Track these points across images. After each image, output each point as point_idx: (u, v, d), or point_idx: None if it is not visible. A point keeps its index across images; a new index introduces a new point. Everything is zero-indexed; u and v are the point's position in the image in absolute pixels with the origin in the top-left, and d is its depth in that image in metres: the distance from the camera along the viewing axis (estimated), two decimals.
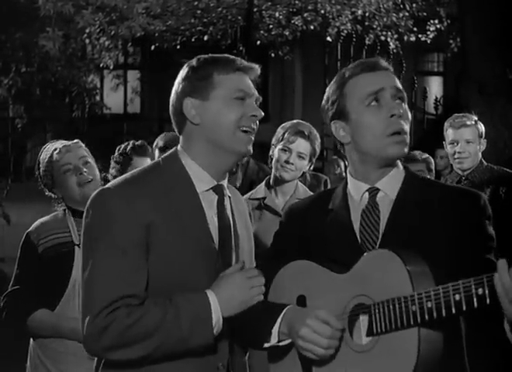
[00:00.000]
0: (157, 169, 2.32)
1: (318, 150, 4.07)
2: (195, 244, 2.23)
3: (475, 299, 1.83)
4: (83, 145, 3.45)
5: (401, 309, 1.95)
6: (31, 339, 3.35)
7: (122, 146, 4.66)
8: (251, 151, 2.30)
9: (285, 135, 4.00)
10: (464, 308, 1.85)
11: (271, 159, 4.08)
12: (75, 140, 3.45)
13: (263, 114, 2.32)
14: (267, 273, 2.26)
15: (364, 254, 2.09)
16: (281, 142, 4.01)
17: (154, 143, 4.65)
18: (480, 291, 1.83)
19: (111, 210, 2.18)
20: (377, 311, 2.01)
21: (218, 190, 2.32)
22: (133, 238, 2.17)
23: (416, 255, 2.01)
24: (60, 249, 3.23)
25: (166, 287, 2.19)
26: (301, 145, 4.00)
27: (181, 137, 2.36)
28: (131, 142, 4.70)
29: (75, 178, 3.32)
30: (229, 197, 2.38)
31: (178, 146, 2.35)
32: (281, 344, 2.17)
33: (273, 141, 4.08)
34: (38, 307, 3.20)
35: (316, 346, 2.07)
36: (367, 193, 2.23)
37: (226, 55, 2.34)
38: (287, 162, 4.00)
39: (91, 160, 3.41)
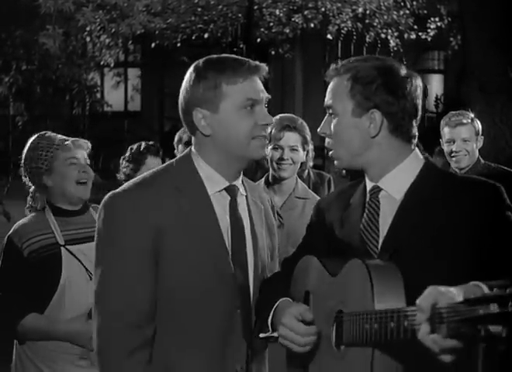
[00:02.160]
0: (169, 171, 2.32)
1: (309, 138, 4.03)
2: (206, 247, 2.23)
3: (401, 330, 1.77)
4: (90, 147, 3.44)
5: (359, 325, 1.91)
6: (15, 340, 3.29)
7: (135, 145, 4.70)
8: (265, 154, 2.32)
9: (272, 132, 3.98)
10: (395, 336, 1.79)
11: (266, 160, 4.06)
12: (85, 140, 3.43)
13: (273, 120, 2.31)
14: (291, 264, 2.29)
15: (349, 261, 2.05)
16: (271, 141, 3.98)
17: (177, 138, 4.70)
18: (406, 323, 1.76)
19: (119, 217, 2.22)
20: (345, 321, 1.99)
21: (230, 190, 2.32)
22: (141, 244, 2.20)
23: (392, 267, 1.95)
24: (46, 251, 3.18)
25: (178, 291, 2.22)
26: (290, 138, 3.98)
27: (193, 139, 2.35)
28: (143, 142, 4.74)
29: (76, 174, 3.29)
30: (246, 196, 2.37)
31: (192, 147, 2.35)
32: (274, 335, 2.18)
33: None
34: (27, 312, 3.15)
35: (293, 344, 2.08)
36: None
37: (232, 58, 2.30)
38: (281, 159, 3.98)
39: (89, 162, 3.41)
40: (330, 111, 2.18)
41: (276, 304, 2.18)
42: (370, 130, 2.12)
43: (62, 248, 3.20)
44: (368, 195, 2.19)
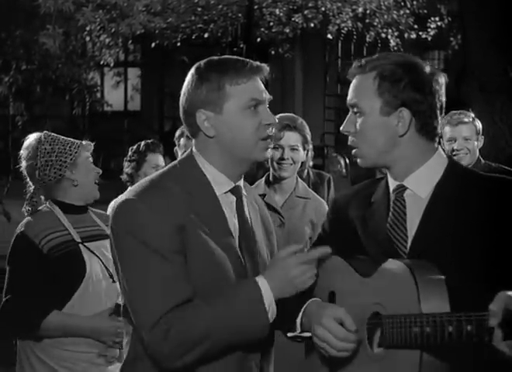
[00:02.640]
0: (175, 173, 2.30)
1: (309, 137, 4.04)
2: (219, 247, 2.23)
3: (464, 334, 1.76)
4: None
5: (405, 328, 1.88)
6: (20, 343, 3.25)
7: (135, 146, 4.82)
8: (270, 155, 2.32)
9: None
10: (454, 340, 1.78)
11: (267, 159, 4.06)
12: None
13: (276, 120, 2.30)
14: None
15: (385, 262, 2.03)
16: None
17: (178, 133, 4.79)
18: (469, 327, 1.75)
19: (141, 220, 2.17)
20: (387, 324, 1.95)
21: (236, 191, 2.32)
22: (170, 245, 2.17)
23: (432, 267, 1.93)
24: (65, 248, 3.18)
25: (199, 290, 2.19)
26: (290, 138, 3.98)
27: (194, 141, 2.34)
28: (143, 141, 4.86)
29: (95, 174, 3.34)
30: (245, 196, 2.38)
31: (193, 148, 2.34)
32: (302, 335, 2.17)
33: None
34: (49, 310, 3.13)
35: (329, 347, 2.05)
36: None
37: (234, 59, 2.29)
38: (282, 158, 3.98)
39: None
40: (355, 109, 2.16)
41: (306, 305, 2.16)
42: (398, 129, 2.11)
43: (80, 245, 3.21)
44: (392, 194, 2.18)
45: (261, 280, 2.15)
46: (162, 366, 2.18)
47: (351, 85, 2.19)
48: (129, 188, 2.33)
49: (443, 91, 2.15)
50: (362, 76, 2.15)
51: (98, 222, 3.37)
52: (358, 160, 2.21)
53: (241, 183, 2.36)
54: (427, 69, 2.15)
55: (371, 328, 2.04)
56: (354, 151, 2.20)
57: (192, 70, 2.30)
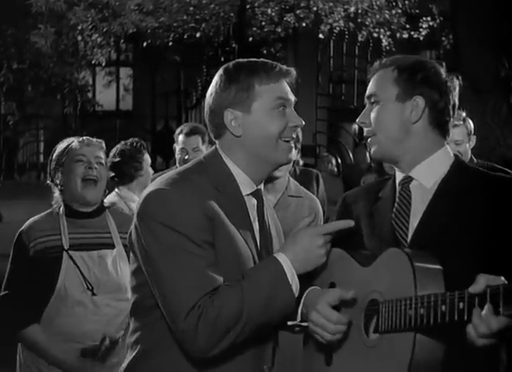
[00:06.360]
0: (201, 168, 2.31)
1: (300, 136, 4.05)
2: (241, 245, 2.24)
3: (456, 312, 1.80)
4: (105, 147, 3.38)
5: (400, 312, 1.94)
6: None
7: (118, 150, 4.65)
8: (292, 158, 2.36)
9: None
10: (447, 319, 1.82)
11: None
12: (100, 140, 3.39)
13: (303, 123, 2.33)
14: None
15: (386, 250, 2.08)
16: None
17: (177, 131, 4.81)
18: (461, 305, 1.79)
19: (174, 210, 2.17)
20: (383, 309, 2.01)
21: (257, 194, 2.34)
22: (202, 234, 2.17)
23: (431, 257, 1.98)
24: (49, 254, 3.16)
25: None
26: None
27: (218, 141, 2.35)
28: (127, 145, 4.69)
29: (83, 170, 3.25)
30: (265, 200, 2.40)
31: (218, 147, 2.35)
32: (302, 324, 2.20)
33: None
34: (29, 319, 3.15)
35: (323, 331, 2.10)
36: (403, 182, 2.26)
37: (263, 61, 2.33)
38: None
39: (104, 163, 3.34)
40: (372, 99, 2.25)
41: (305, 294, 2.20)
42: (411, 117, 2.20)
43: (65, 252, 3.16)
44: (398, 187, 2.25)
45: (280, 256, 2.18)
46: (196, 356, 2.15)
47: (371, 81, 2.28)
48: (156, 180, 2.32)
49: (456, 92, 2.25)
50: (382, 70, 2.26)
51: (110, 229, 3.30)
52: (372, 150, 2.27)
53: (262, 187, 2.37)
54: (443, 70, 2.25)
55: (368, 315, 2.08)
56: (369, 140, 2.26)
57: (220, 71, 2.33)
